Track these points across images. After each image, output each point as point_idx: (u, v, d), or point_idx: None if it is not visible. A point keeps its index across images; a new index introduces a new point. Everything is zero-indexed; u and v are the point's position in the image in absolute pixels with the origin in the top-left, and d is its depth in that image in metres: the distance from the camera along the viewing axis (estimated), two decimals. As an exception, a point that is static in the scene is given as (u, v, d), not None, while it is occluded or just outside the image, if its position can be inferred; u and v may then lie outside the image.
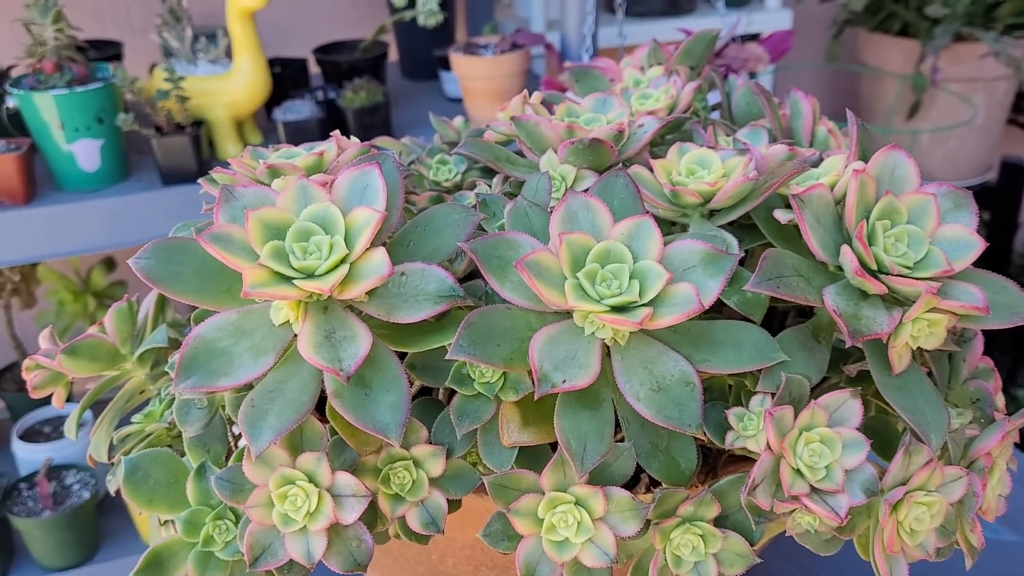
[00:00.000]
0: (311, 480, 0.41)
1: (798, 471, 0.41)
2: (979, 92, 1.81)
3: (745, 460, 0.50)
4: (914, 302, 0.44)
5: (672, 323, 0.40)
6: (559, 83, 1.33)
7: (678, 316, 0.40)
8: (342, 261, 0.40)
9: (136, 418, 0.56)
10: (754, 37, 1.61)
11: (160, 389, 0.56)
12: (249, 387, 0.42)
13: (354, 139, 0.54)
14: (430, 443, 0.44)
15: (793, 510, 0.42)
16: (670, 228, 0.49)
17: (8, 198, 1.24)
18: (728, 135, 0.59)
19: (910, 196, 0.45)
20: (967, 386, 0.50)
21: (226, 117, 1.35)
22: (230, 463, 0.47)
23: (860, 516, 0.44)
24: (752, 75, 1.57)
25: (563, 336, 0.42)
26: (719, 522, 0.44)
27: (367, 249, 0.41)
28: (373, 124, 1.39)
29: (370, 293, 0.42)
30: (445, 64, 1.57)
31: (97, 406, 0.60)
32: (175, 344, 0.57)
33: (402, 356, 0.45)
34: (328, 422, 0.43)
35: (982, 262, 0.45)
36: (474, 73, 1.41)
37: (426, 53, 1.67)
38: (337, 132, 0.53)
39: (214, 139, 1.37)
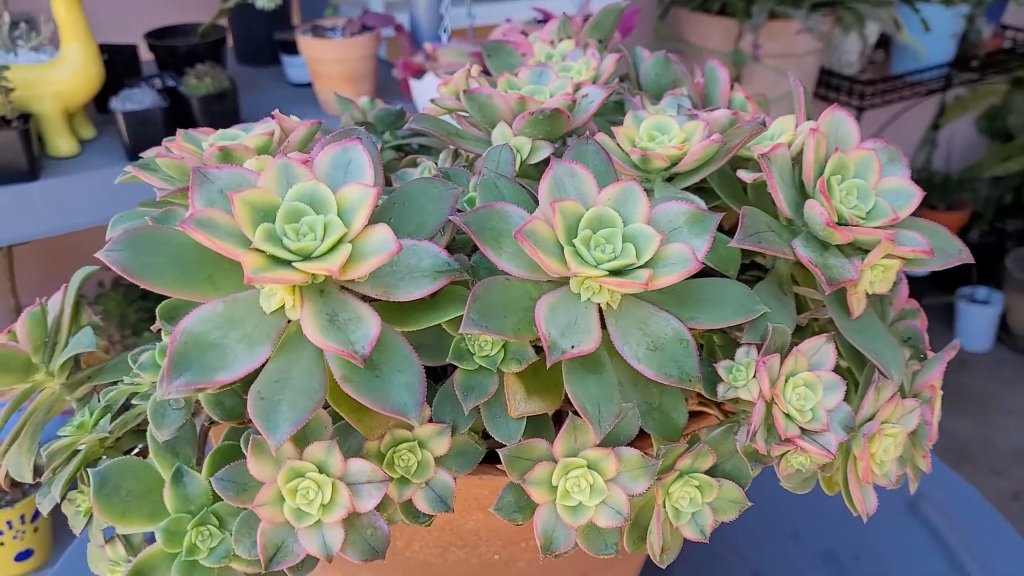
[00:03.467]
0: (322, 471, 0.39)
1: (788, 415, 0.44)
2: (791, 67, 1.95)
3: (699, 415, 0.52)
4: (867, 250, 0.47)
5: (672, 282, 0.41)
6: (416, 65, 1.32)
7: (677, 275, 0.41)
8: (341, 240, 0.39)
9: (64, 431, 0.51)
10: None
11: (92, 397, 0.51)
12: (234, 383, 0.40)
13: (296, 119, 0.51)
14: (432, 422, 0.43)
15: (785, 452, 0.44)
16: (632, 194, 0.50)
17: None
18: (653, 104, 0.61)
19: (855, 152, 0.48)
20: (897, 326, 0.55)
21: (56, 109, 1.25)
22: (205, 464, 0.44)
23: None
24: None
25: (563, 303, 0.42)
26: (712, 472, 0.46)
27: (365, 226, 0.39)
28: (221, 112, 1.33)
29: (368, 273, 0.40)
30: (286, 48, 1.52)
31: None
32: (105, 349, 0.53)
33: (392, 336, 0.44)
34: (327, 409, 0.41)
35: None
36: (324, 56, 1.37)
37: (262, 37, 1.61)
38: (277, 111, 0.51)
39: (43, 134, 1.26)
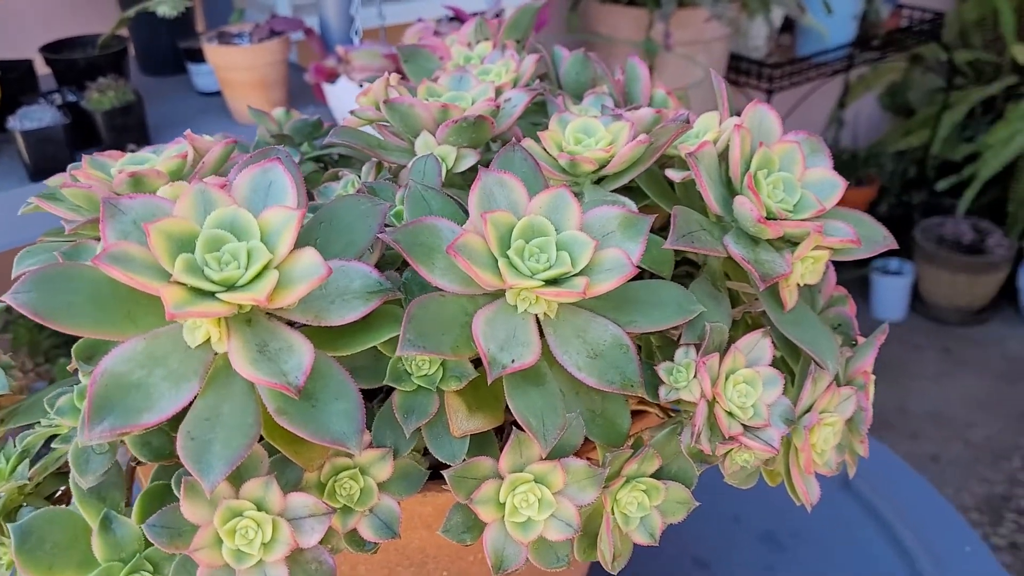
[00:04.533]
0: (260, 508, 0.38)
1: (730, 413, 0.44)
2: (700, 53, 1.97)
3: (641, 414, 0.52)
4: (796, 243, 0.47)
5: (609, 288, 0.41)
6: (329, 68, 1.29)
7: (614, 281, 0.41)
8: (266, 267, 0.37)
9: (-18, 481, 0.48)
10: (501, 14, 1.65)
11: (8, 442, 0.49)
12: (161, 423, 0.38)
13: (209, 138, 0.49)
14: (372, 447, 0.41)
15: (729, 450, 0.44)
16: (561, 198, 0.50)
17: None
18: (574, 104, 0.60)
19: (778, 145, 0.48)
20: (827, 314, 0.55)
21: (-52, 131, 1.19)
22: (134, 510, 0.42)
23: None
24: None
25: (499, 316, 0.41)
26: (657, 475, 0.45)
27: (291, 251, 0.38)
28: (126, 126, 1.28)
29: (295, 298, 0.39)
30: (192, 56, 1.47)
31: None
32: (18, 389, 0.50)
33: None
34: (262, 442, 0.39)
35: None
36: (232, 63, 1.33)
37: (165, 46, 1.56)
38: (189, 131, 0.49)
39: (-64, 157, 1.20)
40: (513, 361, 0.40)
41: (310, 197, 0.53)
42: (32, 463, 0.48)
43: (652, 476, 0.45)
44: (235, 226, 0.38)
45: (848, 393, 0.48)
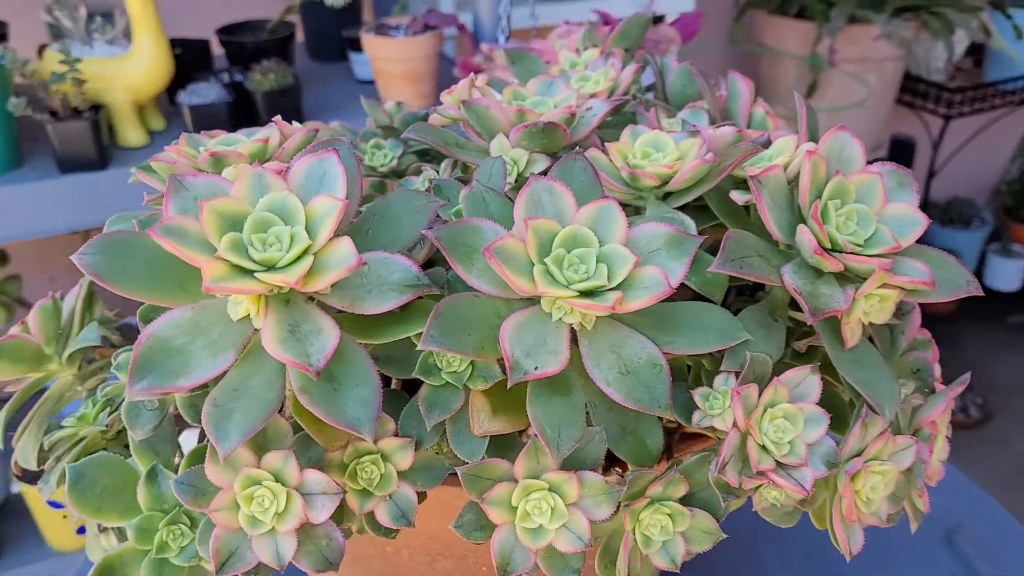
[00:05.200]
0: (278, 479, 0.40)
1: (764, 447, 0.42)
2: (871, 72, 1.88)
3: (698, 438, 0.50)
4: (865, 278, 0.45)
5: (642, 306, 0.40)
6: (474, 65, 1.32)
7: (648, 299, 0.40)
8: (305, 252, 0.39)
9: (68, 421, 0.53)
10: (659, 20, 1.63)
11: (97, 390, 0.53)
12: (206, 387, 0.41)
13: (298, 124, 0.52)
14: (397, 435, 0.43)
15: (759, 485, 0.43)
16: (626, 211, 0.49)
17: None
18: (669, 116, 0.60)
19: (857, 176, 0.46)
20: (907, 357, 0.52)
21: (126, 101, 1.29)
22: (181, 465, 0.45)
23: (818, 488, 0.45)
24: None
25: (532, 323, 0.41)
26: (686, 500, 0.44)
27: (331, 239, 0.39)
28: (283, 107, 1.35)
29: (333, 285, 0.40)
30: (354, 45, 1.54)
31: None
32: (107, 342, 0.54)
33: (364, 348, 0.44)
34: (290, 419, 0.42)
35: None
36: (386, 55, 1.39)
37: (333, 34, 1.64)
38: (279, 117, 0.52)
39: (114, 124, 1.31)
40: (536, 368, 0.40)
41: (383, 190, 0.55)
42: (112, 412, 0.52)
43: (680, 501, 0.44)
44: (284, 210, 0.40)
45: (906, 443, 0.45)
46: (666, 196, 0.49)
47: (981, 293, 0.47)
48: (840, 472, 0.43)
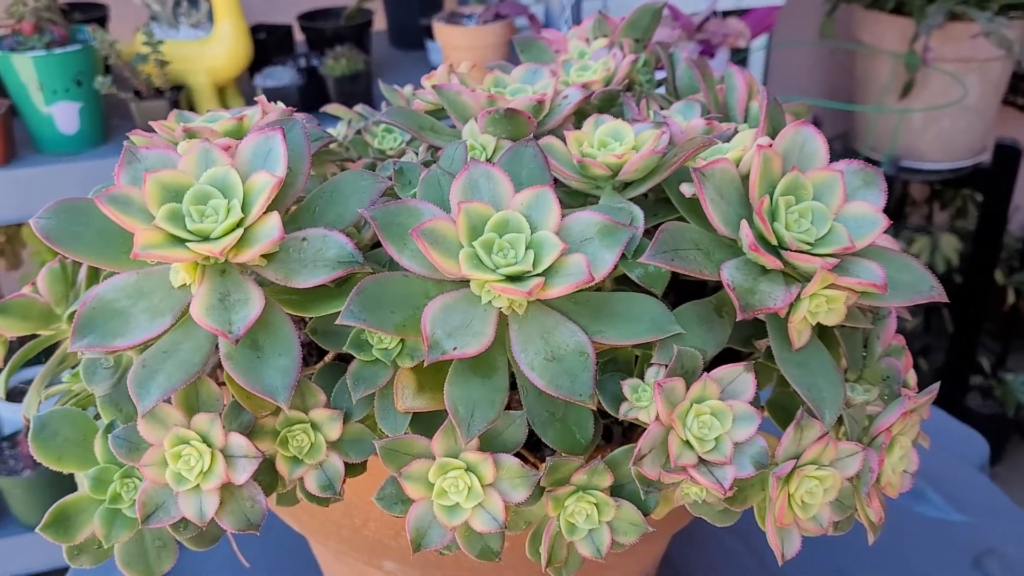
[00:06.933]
0: (205, 440, 0.42)
1: (687, 442, 0.42)
2: (973, 72, 1.79)
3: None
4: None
5: (562, 293, 0.40)
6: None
7: (568, 286, 0.40)
8: (237, 225, 0.41)
9: (64, 377, 0.56)
10: (744, 13, 1.59)
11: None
12: (147, 347, 0.43)
13: (279, 105, 0.54)
14: (328, 407, 0.44)
15: (680, 481, 0.42)
16: (584, 200, 0.49)
17: (-14, 159, 1.25)
18: (664, 109, 0.59)
19: (816, 172, 0.45)
20: (880, 363, 0.50)
21: (206, 82, 1.35)
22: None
23: (754, 489, 0.44)
24: (737, 51, 1.55)
25: (459, 304, 0.42)
26: (615, 491, 0.44)
27: (263, 214, 0.41)
28: (354, 92, 1.39)
29: (269, 257, 0.42)
30: (430, 33, 1.56)
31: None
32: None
33: (305, 321, 0.45)
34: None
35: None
36: (456, 43, 1.41)
37: (413, 22, 1.67)
38: (263, 97, 0.54)
39: (195, 104, 1.37)
40: (455, 348, 0.40)
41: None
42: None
43: (611, 493, 0.44)
44: (224, 184, 0.42)
45: (851, 449, 0.44)
46: (624, 186, 0.48)
47: (945, 299, 0.45)
48: (767, 474, 0.42)
